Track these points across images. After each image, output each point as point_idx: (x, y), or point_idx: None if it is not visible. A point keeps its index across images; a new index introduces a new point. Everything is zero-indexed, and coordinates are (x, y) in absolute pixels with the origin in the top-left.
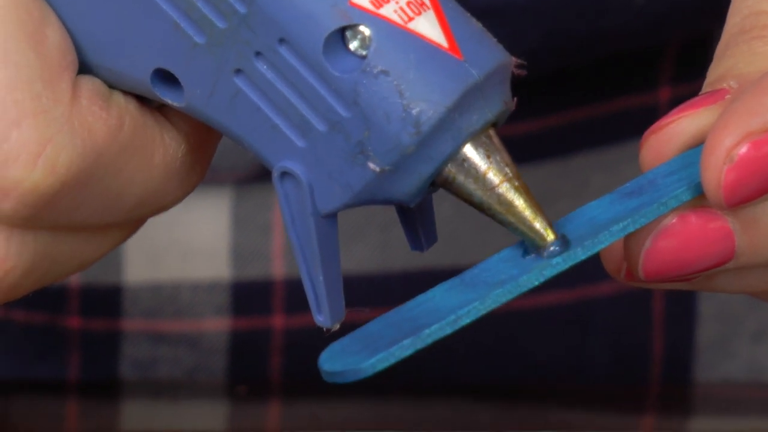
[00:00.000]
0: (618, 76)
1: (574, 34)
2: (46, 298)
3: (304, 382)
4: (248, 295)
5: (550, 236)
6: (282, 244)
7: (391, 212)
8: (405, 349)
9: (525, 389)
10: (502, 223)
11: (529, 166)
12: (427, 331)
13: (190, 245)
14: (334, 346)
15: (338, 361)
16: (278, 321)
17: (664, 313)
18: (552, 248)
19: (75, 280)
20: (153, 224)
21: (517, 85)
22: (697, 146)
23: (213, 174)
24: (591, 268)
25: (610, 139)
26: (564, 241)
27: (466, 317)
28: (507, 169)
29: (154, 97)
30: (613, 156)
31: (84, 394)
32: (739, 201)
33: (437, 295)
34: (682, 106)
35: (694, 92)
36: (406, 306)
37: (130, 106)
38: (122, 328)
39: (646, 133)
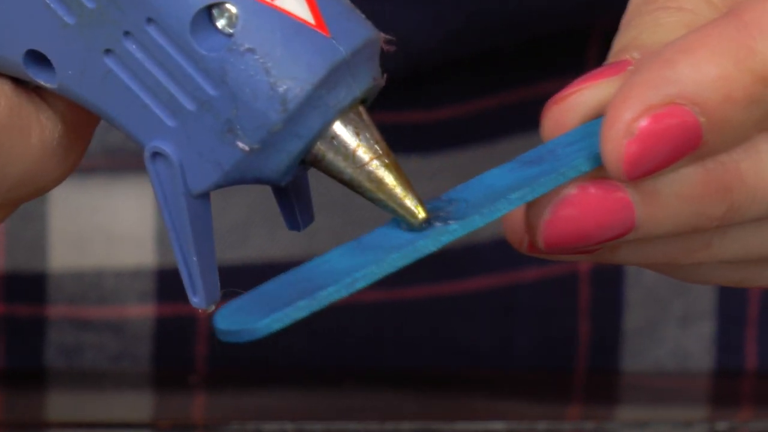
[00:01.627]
0: (545, 60)
1: (498, 15)
2: None
3: (230, 369)
4: (173, 282)
5: (421, 214)
6: None
7: (318, 199)
8: (300, 310)
9: (450, 376)
10: (373, 200)
11: (456, 149)
12: (323, 292)
13: (114, 231)
14: (231, 305)
15: (234, 320)
16: None
17: (590, 299)
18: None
19: (0, 266)
20: (77, 210)
21: (444, 68)
22: (598, 117)
23: (137, 159)
24: (517, 253)
25: (536, 123)
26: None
27: (362, 280)
28: (377, 147)
29: (27, 78)
30: (538, 140)
31: (8, 382)
32: (640, 174)
33: (334, 258)
34: (583, 77)
35: None
36: (303, 267)
37: (5, 87)
38: (47, 314)
39: (548, 103)
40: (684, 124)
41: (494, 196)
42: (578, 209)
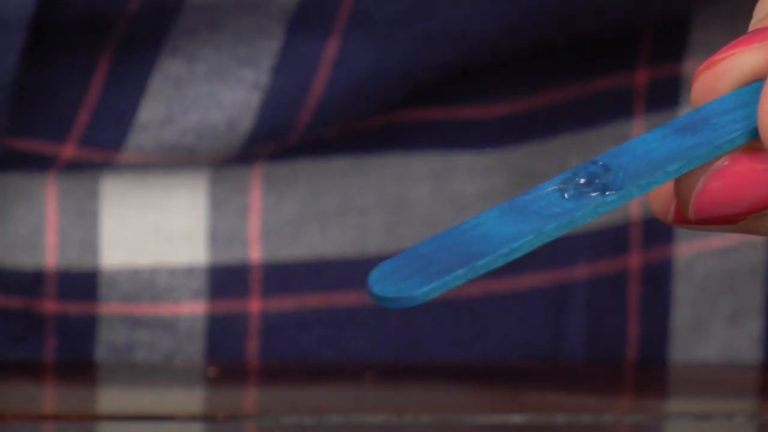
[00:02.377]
0: (596, 58)
1: (555, 7)
2: (22, 282)
3: (282, 365)
4: (225, 279)
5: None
6: (259, 228)
7: (370, 197)
8: (458, 279)
9: (501, 371)
10: None
11: (508, 146)
12: (481, 262)
13: (168, 229)
14: (384, 267)
15: (389, 285)
16: (255, 304)
17: (639, 296)
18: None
19: (52, 263)
20: (130, 207)
21: (497, 64)
22: (751, 83)
23: (191, 155)
24: (567, 250)
25: (588, 120)
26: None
27: (519, 251)
28: None
29: None
30: (591, 138)
31: (61, 377)
32: None
33: (489, 221)
34: (734, 42)
35: (672, 74)
36: (457, 229)
37: None
38: (99, 312)
39: (700, 68)
40: None
41: (651, 167)
42: (731, 181)
